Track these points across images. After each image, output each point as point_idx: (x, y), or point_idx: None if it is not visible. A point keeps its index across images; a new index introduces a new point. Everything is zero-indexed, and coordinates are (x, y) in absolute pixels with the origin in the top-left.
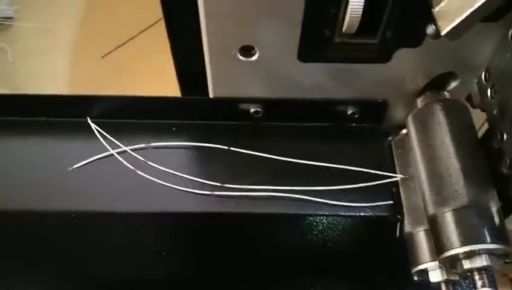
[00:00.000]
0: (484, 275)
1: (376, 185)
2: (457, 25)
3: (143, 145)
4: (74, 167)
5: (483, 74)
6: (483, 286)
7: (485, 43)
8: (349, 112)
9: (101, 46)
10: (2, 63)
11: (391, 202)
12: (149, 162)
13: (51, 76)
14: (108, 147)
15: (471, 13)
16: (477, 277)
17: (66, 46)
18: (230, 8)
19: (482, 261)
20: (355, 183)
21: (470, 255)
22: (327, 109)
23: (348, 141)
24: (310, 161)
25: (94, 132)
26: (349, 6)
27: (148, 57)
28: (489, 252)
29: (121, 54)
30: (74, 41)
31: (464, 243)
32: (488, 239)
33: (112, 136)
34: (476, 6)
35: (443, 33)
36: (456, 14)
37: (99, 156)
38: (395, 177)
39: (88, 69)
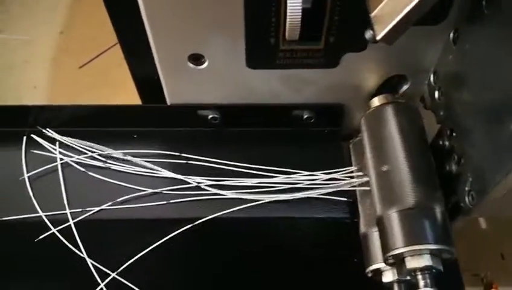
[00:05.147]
0: (427, 274)
1: (331, 187)
2: (391, 29)
3: (105, 152)
4: (31, 173)
5: (431, 76)
6: (425, 286)
7: (432, 46)
8: (305, 116)
9: (79, 57)
10: None
11: (347, 204)
12: (111, 168)
13: (31, 87)
14: (59, 156)
15: (403, 17)
16: (420, 277)
17: (46, 57)
18: (173, 19)
19: (424, 261)
20: (312, 187)
21: (413, 254)
22: (283, 113)
23: (305, 145)
24: (267, 165)
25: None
26: (288, 14)
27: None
28: (432, 253)
29: (98, 64)
30: (54, 52)
31: (407, 243)
32: (431, 239)
33: (73, 144)
34: (406, 11)
35: (378, 37)
36: (389, 18)
37: (54, 163)
38: (349, 180)
39: (66, 80)
